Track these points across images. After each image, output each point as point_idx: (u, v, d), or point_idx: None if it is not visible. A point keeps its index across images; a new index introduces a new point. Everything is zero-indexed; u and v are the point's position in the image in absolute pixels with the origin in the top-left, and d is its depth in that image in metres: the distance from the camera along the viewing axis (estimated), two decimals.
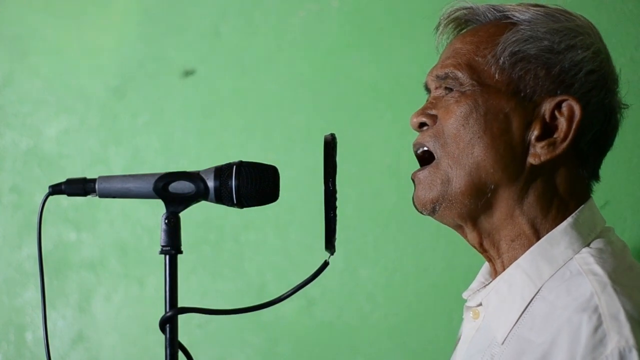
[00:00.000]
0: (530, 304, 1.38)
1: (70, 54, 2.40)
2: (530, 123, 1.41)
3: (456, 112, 1.43)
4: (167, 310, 1.46)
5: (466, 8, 1.50)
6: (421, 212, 1.46)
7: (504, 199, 1.42)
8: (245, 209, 1.50)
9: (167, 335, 1.46)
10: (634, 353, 1.26)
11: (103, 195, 1.51)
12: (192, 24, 2.37)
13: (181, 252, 1.49)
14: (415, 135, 1.49)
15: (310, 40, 2.33)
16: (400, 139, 2.18)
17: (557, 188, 1.43)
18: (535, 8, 1.45)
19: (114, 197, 1.51)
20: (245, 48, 2.35)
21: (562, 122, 1.41)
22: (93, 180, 1.51)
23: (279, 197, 1.50)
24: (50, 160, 2.39)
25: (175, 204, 1.49)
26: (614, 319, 1.28)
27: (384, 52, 2.29)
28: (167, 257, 1.48)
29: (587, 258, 1.38)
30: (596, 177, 1.47)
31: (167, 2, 2.38)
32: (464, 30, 1.51)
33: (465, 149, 1.42)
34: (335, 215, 1.45)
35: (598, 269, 1.35)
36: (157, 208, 1.52)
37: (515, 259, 1.42)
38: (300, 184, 2.25)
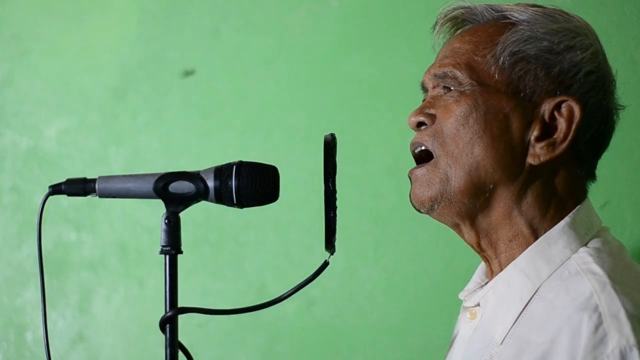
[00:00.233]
0: (529, 303, 1.38)
1: (70, 54, 2.40)
2: (529, 123, 1.41)
3: (456, 112, 1.43)
4: (167, 310, 1.46)
5: (464, 7, 1.50)
6: (418, 210, 1.46)
7: (502, 199, 1.42)
8: (245, 209, 1.50)
9: (167, 335, 1.46)
10: (635, 352, 1.26)
11: (103, 195, 1.51)
12: (192, 24, 2.37)
13: (181, 252, 1.49)
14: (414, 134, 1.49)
15: (310, 40, 2.33)
16: (400, 139, 2.18)
17: (556, 188, 1.43)
18: (533, 8, 1.45)
19: (114, 197, 1.51)
20: (245, 48, 2.35)
21: (561, 123, 1.41)
22: (93, 180, 1.51)
23: (279, 197, 1.50)
24: (50, 160, 2.39)
25: (175, 204, 1.49)
26: (615, 318, 1.28)
27: (384, 52, 2.29)
28: (167, 257, 1.48)
29: (585, 257, 1.38)
30: (592, 177, 1.47)
31: (166, 2, 2.38)
32: (461, 30, 1.51)
33: (465, 149, 1.42)
34: (335, 215, 1.45)
35: (597, 268, 1.35)
36: (157, 208, 1.52)
37: (513, 258, 1.42)
38: (300, 184, 2.25)
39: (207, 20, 2.36)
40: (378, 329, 2.27)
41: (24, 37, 2.41)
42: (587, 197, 1.46)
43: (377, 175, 2.27)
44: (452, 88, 1.45)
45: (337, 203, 1.46)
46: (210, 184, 1.48)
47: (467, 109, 1.42)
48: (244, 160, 1.49)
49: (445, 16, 1.51)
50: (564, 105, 1.41)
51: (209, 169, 1.50)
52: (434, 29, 1.52)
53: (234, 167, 1.48)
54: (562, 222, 1.41)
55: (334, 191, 1.45)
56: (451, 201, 1.43)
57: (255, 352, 2.31)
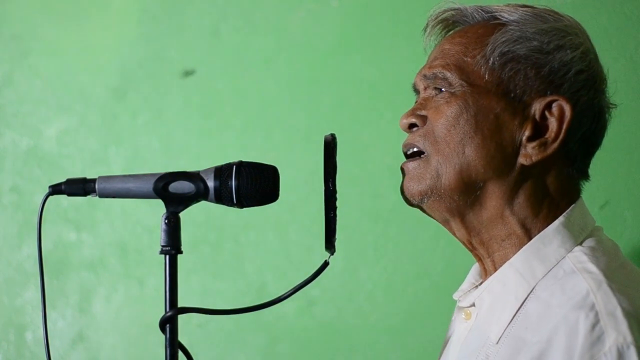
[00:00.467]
0: (524, 303, 1.39)
1: (70, 54, 2.40)
2: (520, 123, 1.42)
3: (446, 113, 1.43)
4: (167, 310, 1.47)
5: (454, 9, 1.51)
6: (409, 202, 1.46)
7: (493, 199, 1.43)
8: (245, 209, 1.50)
9: (167, 335, 1.46)
10: (632, 350, 1.26)
11: (103, 195, 1.51)
12: (192, 24, 2.37)
13: (181, 252, 1.49)
14: None
15: (310, 40, 2.33)
16: (400, 139, 2.17)
17: (548, 188, 1.43)
18: (523, 8, 1.46)
19: (114, 197, 1.51)
20: (245, 48, 2.35)
21: (552, 122, 1.41)
22: (93, 180, 1.51)
23: (279, 197, 1.50)
24: (50, 160, 2.39)
25: (175, 204, 1.49)
26: (611, 316, 1.29)
27: (384, 52, 2.29)
28: (167, 257, 1.48)
29: (580, 256, 1.38)
30: (585, 176, 1.47)
31: (166, 2, 2.38)
32: (452, 32, 1.52)
33: (456, 149, 1.42)
34: (335, 215, 1.45)
35: (592, 267, 1.36)
36: (157, 208, 1.52)
37: (507, 258, 1.43)
38: (300, 184, 2.25)
39: (207, 20, 2.36)
40: (378, 329, 2.27)
41: (24, 37, 2.41)
42: (580, 196, 1.46)
43: (377, 175, 2.27)
44: (442, 89, 1.45)
45: (337, 203, 1.46)
46: (210, 184, 1.48)
47: (457, 109, 1.43)
48: (244, 160, 1.49)
49: (436, 18, 1.52)
50: (554, 104, 1.41)
51: (209, 169, 1.50)
52: (425, 31, 1.53)
53: (234, 167, 1.48)
54: (557, 222, 1.41)
55: (334, 191, 1.45)
56: (441, 196, 1.43)
57: (255, 352, 2.31)
